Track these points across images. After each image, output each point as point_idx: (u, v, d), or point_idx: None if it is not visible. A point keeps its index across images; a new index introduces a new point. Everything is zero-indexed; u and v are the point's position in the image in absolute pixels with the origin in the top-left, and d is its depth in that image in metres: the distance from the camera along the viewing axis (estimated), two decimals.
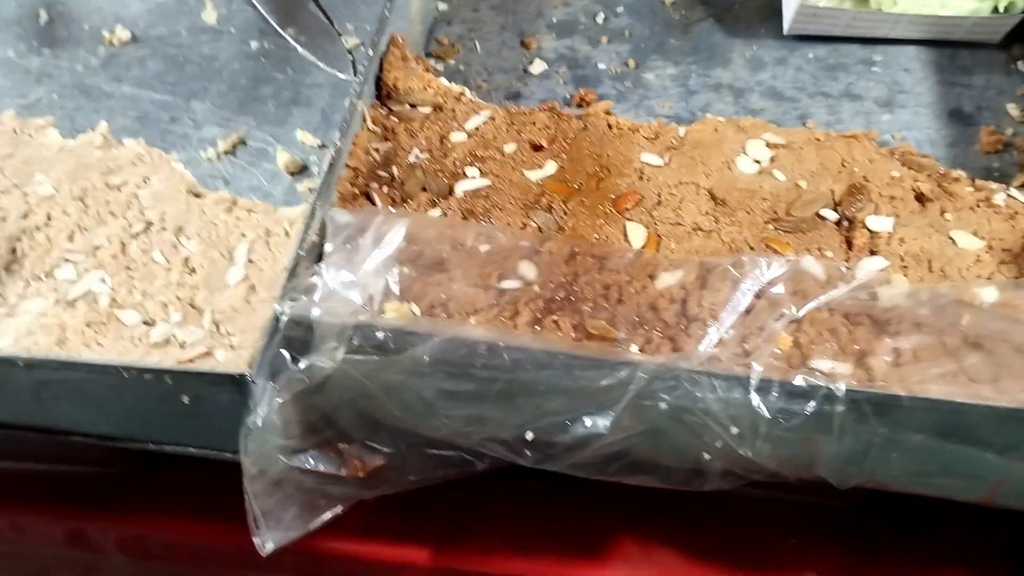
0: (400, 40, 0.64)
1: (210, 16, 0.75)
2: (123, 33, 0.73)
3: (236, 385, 0.47)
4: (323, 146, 0.67)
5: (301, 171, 0.65)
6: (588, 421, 0.48)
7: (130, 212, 0.52)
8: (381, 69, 0.62)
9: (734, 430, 0.47)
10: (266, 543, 0.50)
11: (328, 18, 0.75)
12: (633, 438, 0.49)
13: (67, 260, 0.50)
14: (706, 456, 0.49)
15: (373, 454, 0.53)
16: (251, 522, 0.50)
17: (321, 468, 0.51)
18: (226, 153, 0.66)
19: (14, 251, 0.50)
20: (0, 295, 0.49)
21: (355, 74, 0.71)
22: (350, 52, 0.73)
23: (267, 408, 0.47)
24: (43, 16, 0.74)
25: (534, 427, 0.49)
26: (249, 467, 0.49)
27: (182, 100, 0.69)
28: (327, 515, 0.52)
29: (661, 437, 0.48)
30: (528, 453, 0.50)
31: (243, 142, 0.67)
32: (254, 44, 0.74)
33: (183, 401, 0.48)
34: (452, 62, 0.72)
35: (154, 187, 0.53)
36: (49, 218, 0.51)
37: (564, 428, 0.48)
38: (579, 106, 0.68)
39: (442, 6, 0.77)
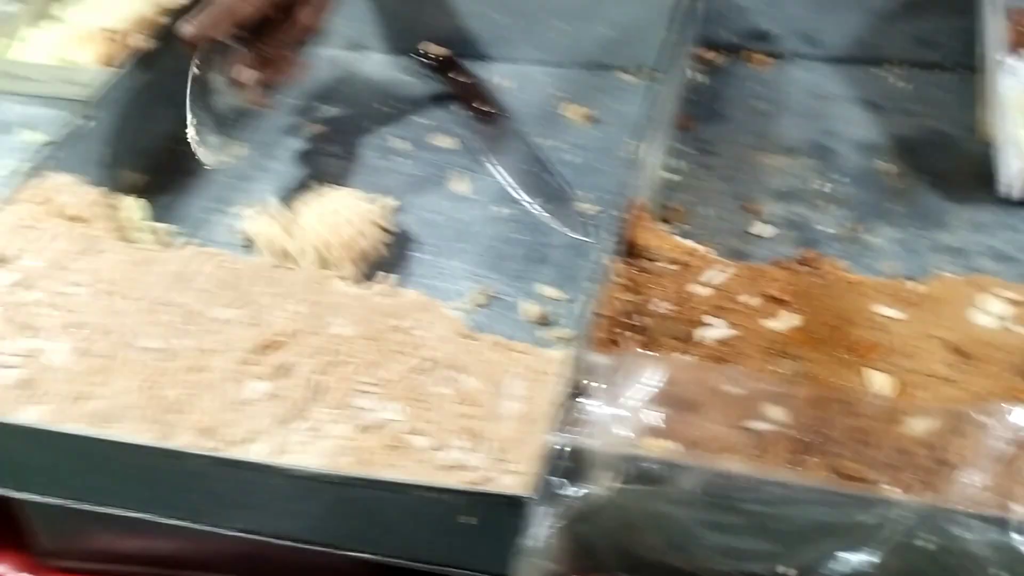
0: (641, 203, 0.70)
1: (460, 186, 0.84)
2: (385, 200, 0.82)
3: (515, 507, 0.51)
4: (567, 300, 0.73)
5: (546, 322, 0.71)
6: (846, 558, 0.49)
7: (415, 351, 0.59)
8: (625, 229, 0.68)
9: (996, 574, 0.48)
10: None
11: (566, 187, 0.83)
12: None
13: (363, 392, 0.56)
14: None
15: None
16: None
17: None
18: (479, 306, 0.73)
19: (317, 383, 0.57)
20: (308, 420, 0.55)
21: (592, 237, 0.78)
22: (587, 217, 0.80)
23: (542, 532, 0.51)
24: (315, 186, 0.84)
25: (791, 562, 0.50)
26: None
27: (440, 259, 0.77)
28: None
29: None
30: None
31: (493, 296, 0.74)
32: (500, 210, 0.82)
33: (462, 522, 0.52)
34: (682, 225, 0.78)
35: (433, 330, 0.60)
36: (346, 355, 0.58)
37: (822, 565, 0.50)
38: (806, 266, 0.72)
39: (669, 175, 0.84)
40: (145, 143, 0.87)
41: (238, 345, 0.60)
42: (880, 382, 0.58)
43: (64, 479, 0.59)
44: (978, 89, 0.84)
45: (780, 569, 0.51)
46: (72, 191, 0.72)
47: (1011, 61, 0.79)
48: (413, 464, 0.53)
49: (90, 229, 0.69)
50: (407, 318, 0.61)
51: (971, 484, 0.50)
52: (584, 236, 0.78)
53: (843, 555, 0.49)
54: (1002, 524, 0.47)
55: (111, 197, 0.74)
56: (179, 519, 0.58)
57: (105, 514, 0.60)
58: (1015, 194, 0.77)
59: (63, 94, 0.94)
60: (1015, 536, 0.47)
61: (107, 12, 1.00)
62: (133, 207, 0.74)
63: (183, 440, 0.55)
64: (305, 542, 0.57)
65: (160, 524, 0.59)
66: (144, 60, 0.86)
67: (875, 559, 0.49)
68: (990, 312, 0.61)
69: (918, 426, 0.54)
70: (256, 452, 0.54)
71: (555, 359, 0.58)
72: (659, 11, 0.91)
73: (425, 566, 0.56)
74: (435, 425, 0.55)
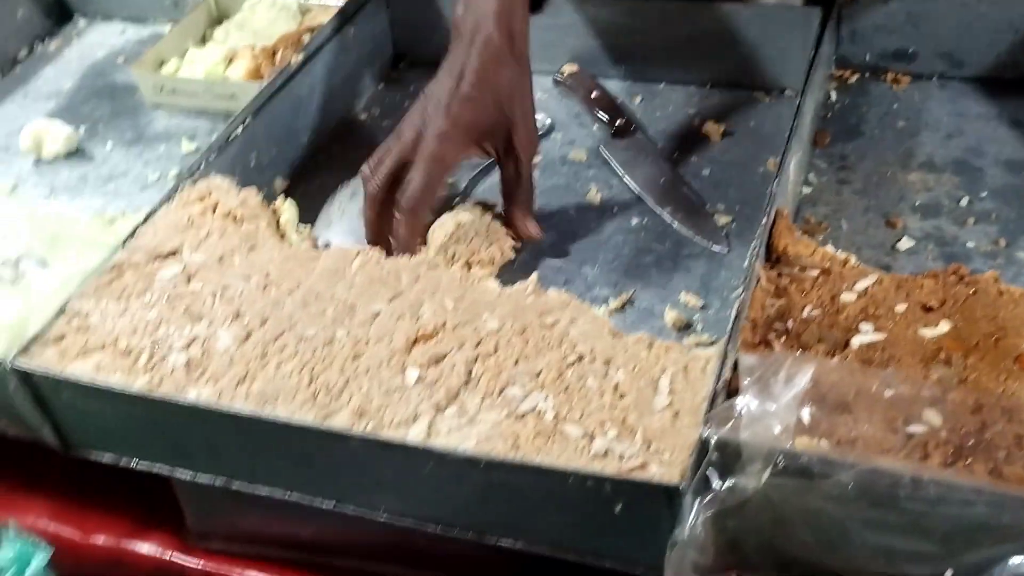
0: (785, 212, 0.70)
1: (595, 197, 0.85)
2: None
3: (667, 497, 0.51)
4: (705, 307, 0.73)
5: (686, 328, 0.71)
6: (1015, 562, 0.48)
7: (563, 345, 0.60)
8: (770, 237, 0.68)
9: None
10: None
11: (700, 200, 0.84)
12: None
13: (514, 382, 0.58)
14: None
15: None
16: None
17: None
18: (616, 311, 0.73)
19: (470, 372, 0.59)
20: (461, 407, 0.57)
21: (729, 247, 0.78)
22: (723, 228, 0.80)
23: (692, 523, 0.51)
24: (458, 199, 0.87)
25: (954, 564, 0.49)
26: None
27: (575, 266, 0.78)
28: None
29: None
30: None
31: (631, 302, 0.74)
32: (635, 220, 0.83)
33: (614, 511, 0.53)
34: (820, 238, 0.77)
35: (580, 327, 0.61)
36: (497, 347, 0.60)
37: (986, 568, 0.49)
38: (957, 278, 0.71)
39: (806, 189, 0.83)
40: (290, 151, 0.91)
41: (392, 335, 0.62)
42: None
43: (223, 458, 0.62)
44: None
45: (941, 572, 0.49)
46: (228, 192, 0.76)
47: None
48: (565, 452, 0.53)
49: (247, 227, 0.73)
50: (555, 315, 0.62)
51: None
52: (721, 246, 0.78)
53: (1011, 559, 0.48)
54: None
55: (264, 199, 0.77)
56: (331, 501, 0.60)
57: (255, 496, 0.63)
58: None
59: (216, 107, 0.99)
60: None
61: (256, 32, 1.05)
62: (286, 208, 0.77)
63: (341, 421, 0.57)
64: (453, 527, 0.58)
65: (309, 507, 0.61)
66: (292, 75, 0.90)
67: None
68: None
69: None
70: (412, 435, 0.55)
71: (702, 358, 0.58)
72: (795, 32, 0.92)
73: (570, 556, 0.56)
74: (586, 416, 0.55)
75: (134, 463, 0.65)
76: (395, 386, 0.58)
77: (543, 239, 0.80)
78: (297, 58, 0.91)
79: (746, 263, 0.65)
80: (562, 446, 0.53)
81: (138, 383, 0.61)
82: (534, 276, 0.68)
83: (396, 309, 0.64)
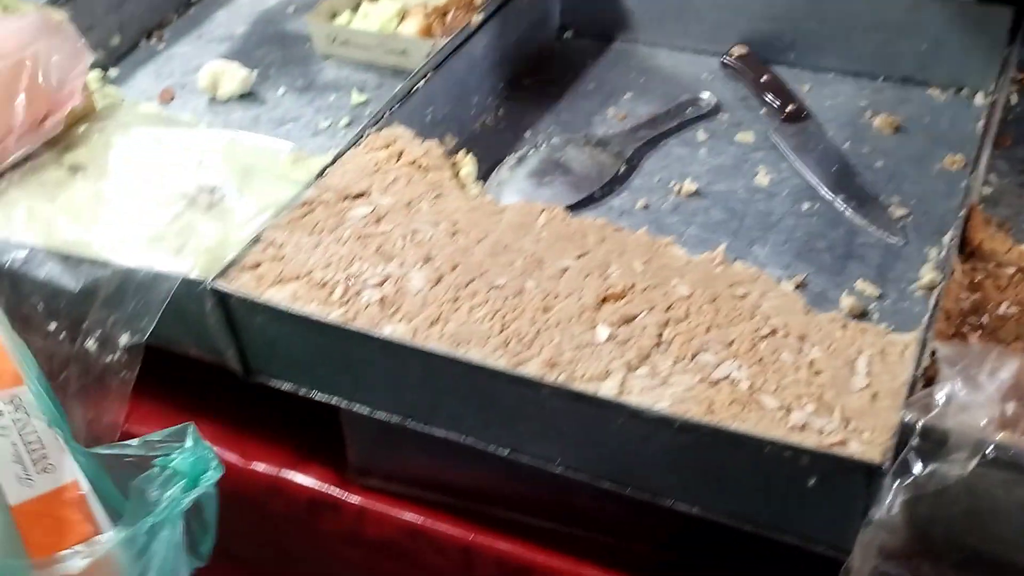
0: (979, 208, 0.69)
1: (763, 179, 0.85)
2: (690, 186, 0.84)
3: (866, 475, 0.51)
4: (881, 296, 0.72)
5: (862, 315, 0.70)
6: None
7: (755, 318, 0.59)
8: (965, 231, 0.67)
9: None
10: None
11: (874, 190, 0.83)
12: None
13: (707, 349, 0.58)
14: None
15: None
16: None
17: None
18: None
19: (661, 335, 0.59)
20: (653, 367, 0.57)
21: (906, 239, 0.77)
22: (899, 220, 0.79)
23: (890, 504, 0.51)
24: (623, 167, 0.87)
25: None
26: (856, 560, 0.52)
27: (744, 245, 0.78)
28: None
29: None
30: None
31: (804, 285, 0.74)
32: (805, 205, 0.82)
33: (808, 484, 0.52)
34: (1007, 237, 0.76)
35: (772, 301, 0.61)
36: (687, 313, 0.60)
37: None
38: None
39: (987, 190, 0.81)
40: (461, 110, 0.92)
41: (582, 292, 0.62)
42: None
43: (405, 396, 0.63)
44: None
45: None
46: (412, 142, 0.77)
47: None
48: (762, 421, 0.53)
49: (432, 176, 0.74)
50: (745, 287, 0.62)
51: None
52: (897, 238, 0.77)
53: None
54: None
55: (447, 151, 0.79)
56: (507, 449, 0.61)
57: (421, 438, 0.64)
58: None
59: (386, 62, 1.01)
60: None
61: None
62: (467, 162, 0.78)
63: (533, 370, 0.58)
64: (628, 486, 0.59)
65: (474, 454, 0.62)
66: (470, 35, 0.91)
67: None
68: None
69: None
70: (604, 389, 0.56)
71: (903, 342, 0.58)
72: (979, 30, 0.90)
73: (748, 527, 0.57)
74: (782, 388, 0.55)
75: (314, 394, 0.67)
76: (586, 341, 0.59)
77: None
78: (476, 19, 0.92)
79: (944, 252, 0.64)
80: (758, 415, 0.54)
81: (333, 314, 0.62)
82: (721, 247, 0.68)
83: (584, 266, 0.64)
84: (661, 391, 0.56)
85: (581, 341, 0.59)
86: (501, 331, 0.60)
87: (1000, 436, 0.51)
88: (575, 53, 1.05)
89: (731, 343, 0.58)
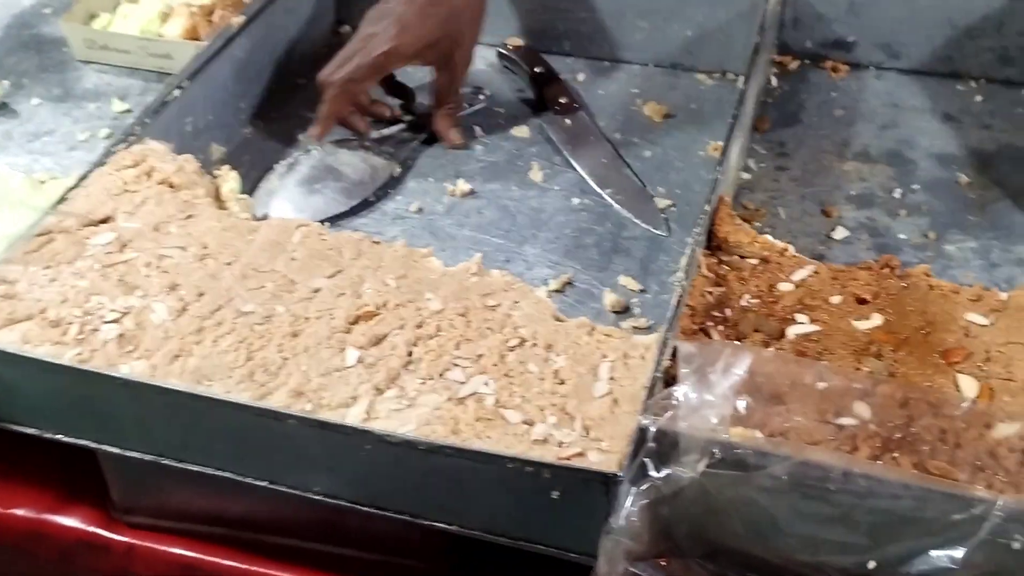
0: (727, 200, 0.71)
1: (536, 175, 0.85)
2: (465, 186, 0.83)
3: (604, 484, 0.52)
4: (643, 291, 0.73)
5: (624, 311, 0.72)
6: (935, 555, 0.50)
7: (505, 329, 0.60)
8: (712, 224, 0.69)
9: None
10: None
11: (641, 182, 0.84)
12: None
13: (455, 364, 0.57)
14: None
15: (701, 573, 0.56)
16: None
17: None
18: (556, 292, 0.73)
19: (411, 354, 0.59)
20: (401, 389, 0.56)
21: (669, 231, 0.79)
22: (663, 212, 0.81)
23: (627, 511, 0.52)
24: (396, 170, 0.86)
25: (877, 556, 0.51)
26: (602, 566, 0.53)
27: (515, 244, 0.78)
28: None
29: None
30: None
31: (571, 283, 0.74)
32: (575, 200, 0.83)
33: (552, 496, 0.53)
34: (758, 224, 0.79)
35: (524, 309, 0.61)
36: (438, 329, 0.60)
37: (908, 561, 0.50)
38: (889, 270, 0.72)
39: (745, 175, 0.84)
40: (228, 117, 0.88)
41: (333, 313, 0.61)
42: (967, 386, 0.58)
43: (154, 434, 0.60)
44: None
45: (865, 563, 0.51)
46: (165, 158, 0.74)
47: None
48: (505, 437, 0.54)
49: (184, 195, 0.71)
50: (498, 297, 0.62)
51: None
52: (661, 230, 0.79)
53: (931, 551, 0.49)
54: None
55: (203, 166, 0.75)
56: (264, 480, 0.60)
57: (183, 472, 0.62)
58: None
59: (149, 66, 0.96)
60: None
61: None
62: (228, 177, 0.75)
63: (278, 401, 0.56)
64: (388, 508, 0.58)
65: (240, 484, 0.61)
66: (232, 36, 0.88)
67: (961, 555, 0.49)
68: None
69: (1006, 430, 0.54)
70: (351, 417, 0.55)
71: (643, 345, 0.59)
72: (740, 16, 0.92)
73: (504, 540, 0.57)
74: (527, 401, 0.56)
75: (61, 437, 0.63)
76: (334, 366, 0.58)
77: (466, 145, 0.88)
78: (238, 19, 0.88)
79: (687, 250, 0.65)
80: (502, 431, 0.54)
81: (68, 355, 0.59)
82: (478, 256, 0.67)
83: (337, 285, 0.63)
84: (408, 413, 0.55)
85: (329, 366, 0.58)
86: (246, 362, 0.58)
87: (726, 436, 0.52)
88: None
89: (480, 357, 0.58)
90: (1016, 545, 0.48)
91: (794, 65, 0.97)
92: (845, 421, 0.56)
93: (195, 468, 0.61)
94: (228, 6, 0.98)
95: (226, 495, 0.65)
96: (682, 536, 0.55)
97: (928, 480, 0.51)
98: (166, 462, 0.61)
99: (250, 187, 0.82)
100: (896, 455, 0.54)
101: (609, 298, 0.72)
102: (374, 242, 0.67)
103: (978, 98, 0.92)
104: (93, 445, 0.63)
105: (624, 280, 0.74)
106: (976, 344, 0.61)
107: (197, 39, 0.95)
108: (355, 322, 0.61)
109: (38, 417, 0.63)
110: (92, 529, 0.70)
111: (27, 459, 0.72)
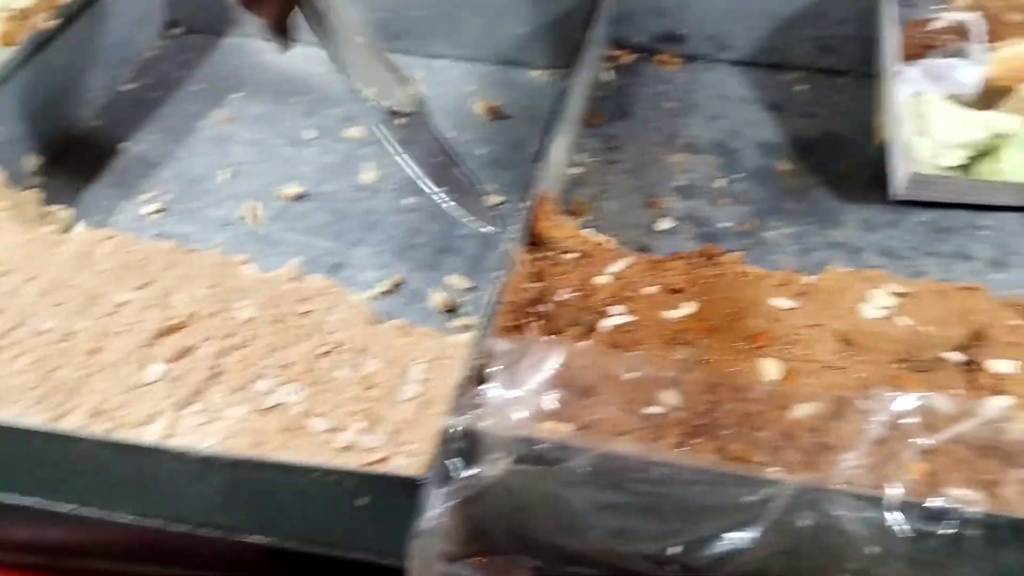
0: (547, 195, 0.72)
1: (368, 176, 0.84)
2: (295, 189, 0.82)
3: (410, 488, 0.52)
4: (472, 289, 0.74)
5: (453, 310, 0.72)
6: (730, 537, 0.51)
7: (318, 335, 0.59)
8: (532, 219, 0.69)
9: (870, 550, 0.50)
10: None
11: (472, 180, 0.84)
12: (772, 557, 0.52)
13: (263, 375, 0.56)
14: None
15: (520, 568, 0.56)
16: None
17: None
18: (385, 293, 0.73)
19: (218, 366, 0.57)
20: (205, 403, 0.55)
21: (499, 228, 0.79)
22: (494, 208, 0.81)
23: (435, 513, 0.52)
24: (225, 174, 0.84)
25: (678, 541, 0.52)
26: (414, 569, 0.53)
27: (346, 247, 0.77)
28: None
29: (800, 557, 0.51)
30: (669, 569, 0.53)
31: (401, 284, 0.74)
32: (408, 200, 0.82)
33: (357, 504, 0.53)
34: (586, 218, 0.80)
35: (338, 315, 0.60)
36: (248, 339, 0.58)
37: (706, 544, 0.52)
38: (706, 259, 0.74)
39: (575, 170, 0.85)
40: (44, 127, 0.85)
41: (138, 327, 0.59)
42: (770, 369, 0.60)
43: None
44: (875, 95, 0.88)
45: (666, 549, 0.52)
46: None
47: (904, 70, 0.83)
48: (309, 446, 0.53)
49: None
50: (312, 303, 0.61)
51: (849, 465, 0.53)
52: (491, 227, 0.79)
53: (726, 534, 0.51)
54: (875, 503, 0.50)
55: (10, 178, 0.72)
56: (69, 505, 0.58)
57: None
58: (903, 195, 0.80)
59: None
60: (887, 514, 0.49)
61: None
62: (33, 189, 0.72)
63: (74, 422, 0.54)
64: (199, 526, 0.57)
65: (47, 511, 0.58)
66: (46, 40, 0.84)
67: (756, 536, 0.50)
68: (876, 304, 0.64)
69: (803, 410, 0.56)
70: (151, 434, 0.53)
71: (458, 344, 0.59)
72: (572, 12, 0.93)
73: (319, 549, 0.56)
74: (334, 407, 0.55)
75: None
76: (136, 383, 0.56)
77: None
78: (51, 23, 0.85)
79: (502, 246, 0.65)
80: (307, 440, 0.53)
81: None
82: (294, 261, 0.66)
83: (145, 298, 0.61)
84: (211, 427, 0.54)
85: (131, 383, 0.56)
86: (42, 383, 0.56)
87: (528, 432, 0.53)
88: (184, 51, 1.00)
89: (290, 365, 0.57)
90: (804, 523, 0.50)
91: (628, 59, 0.99)
92: (653, 410, 0.57)
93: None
94: (49, 9, 0.94)
95: (34, 522, 0.62)
96: (496, 534, 0.55)
97: (721, 464, 0.52)
98: None
99: (69, 196, 0.79)
100: (700, 441, 0.55)
101: (436, 297, 0.72)
102: (187, 251, 0.65)
103: (801, 87, 0.95)
104: None
105: (453, 279, 0.74)
106: (782, 328, 0.62)
107: (13, 45, 0.91)
108: (162, 335, 0.59)
109: None
110: None
111: None
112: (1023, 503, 0.51)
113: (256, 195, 0.82)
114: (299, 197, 0.82)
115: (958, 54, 0.83)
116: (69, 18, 0.87)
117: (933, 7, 0.88)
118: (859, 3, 0.92)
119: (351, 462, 0.52)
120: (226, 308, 0.60)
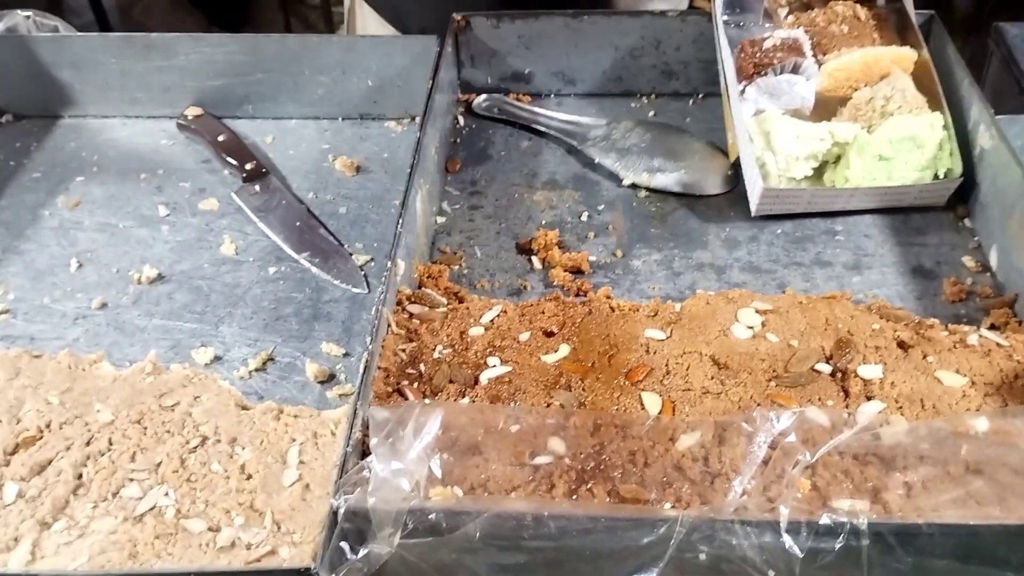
0: (414, 250, 0.71)
1: (229, 249, 0.82)
2: (151, 271, 0.79)
3: None
4: (347, 354, 0.72)
5: (329, 379, 0.70)
6: None
7: (185, 429, 0.56)
8: (398, 278, 0.68)
9: (771, 574, 0.50)
10: None
11: (338, 240, 0.83)
12: None
13: (131, 479, 0.53)
14: None
15: None
16: None
17: None
18: (256, 370, 0.70)
19: (80, 476, 0.54)
20: (70, 518, 0.52)
21: (368, 288, 0.78)
22: (362, 268, 0.80)
23: None
24: (74, 264, 0.80)
25: None
26: None
27: (211, 326, 0.74)
28: None
29: None
30: None
31: (271, 359, 0.72)
32: (272, 269, 0.80)
33: None
34: (456, 268, 0.79)
35: (205, 404, 0.58)
36: (111, 443, 0.55)
37: None
38: (578, 295, 0.74)
39: (440, 219, 0.84)
40: None
41: None
42: (651, 402, 0.60)
43: None
44: (725, 114, 0.90)
45: None
46: None
47: (745, 89, 0.85)
48: (188, 550, 0.50)
49: None
50: (175, 395, 0.59)
51: (739, 491, 0.53)
52: (361, 288, 0.78)
53: None
54: (769, 527, 0.50)
55: None
56: None
57: None
58: (759, 211, 0.82)
59: None
60: (785, 537, 0.50)
61: None
62: None
63: None
64: None
65: None
66: None
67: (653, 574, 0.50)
68: (743, 323, 0.65)
69: (687, 441, 0.56)
70: (14, 561, 0.50)
71: (334, 418, 0.57)
72: (416, 60, 0.93)
73: None
74: (211, 505, 0.52)
75: None
76: None
77: None
78: None
79: (372, 311, 0.64)
80: (185, 544, 0.50)
81: None
82: (151, 354, 0.63)
83: None
84: (80, 544, 0.51)
85: None
86: None
87: (417, 503, 0.51)
88: (16, 138, 0.95)
89: (158, 466, 0.54)
90: (702, 557, 0.50)
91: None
92: (541, 460, 0.56)
93: None
94: None
95: None
96: None
97: (615, 509, 0.52)
98: None
99: None
100: (590, 486, 0.55)
101: (311, 368, 0.70)
102: (34, 356, 0.62)
103: (651, 112, 0.97)
104: None
105: (327, 347, 0.72)
106: (656, 359, 0.63)
107: None
108: (14, 451, 0.55)
109: None
110: None
111: None
112: (906, 506, 0.52)
113: (109, 283, 0.79)
114: (156, 279, 0.79)
115: (792, 70, 0.86)
116: None
117: (762, 27, 0.91)
118: (694, 28, 0.94)
119: (235, 561, 0.49)
120: (82, 413, 0.57)
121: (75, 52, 0.94)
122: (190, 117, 0.95)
